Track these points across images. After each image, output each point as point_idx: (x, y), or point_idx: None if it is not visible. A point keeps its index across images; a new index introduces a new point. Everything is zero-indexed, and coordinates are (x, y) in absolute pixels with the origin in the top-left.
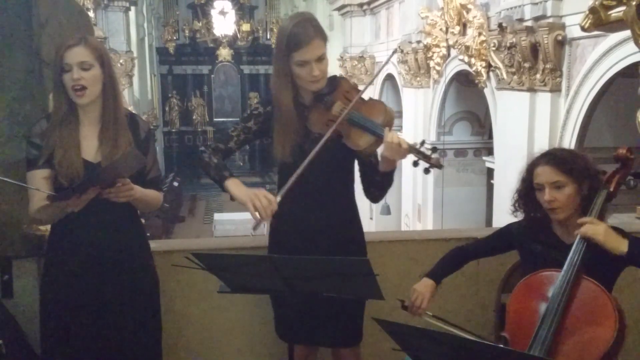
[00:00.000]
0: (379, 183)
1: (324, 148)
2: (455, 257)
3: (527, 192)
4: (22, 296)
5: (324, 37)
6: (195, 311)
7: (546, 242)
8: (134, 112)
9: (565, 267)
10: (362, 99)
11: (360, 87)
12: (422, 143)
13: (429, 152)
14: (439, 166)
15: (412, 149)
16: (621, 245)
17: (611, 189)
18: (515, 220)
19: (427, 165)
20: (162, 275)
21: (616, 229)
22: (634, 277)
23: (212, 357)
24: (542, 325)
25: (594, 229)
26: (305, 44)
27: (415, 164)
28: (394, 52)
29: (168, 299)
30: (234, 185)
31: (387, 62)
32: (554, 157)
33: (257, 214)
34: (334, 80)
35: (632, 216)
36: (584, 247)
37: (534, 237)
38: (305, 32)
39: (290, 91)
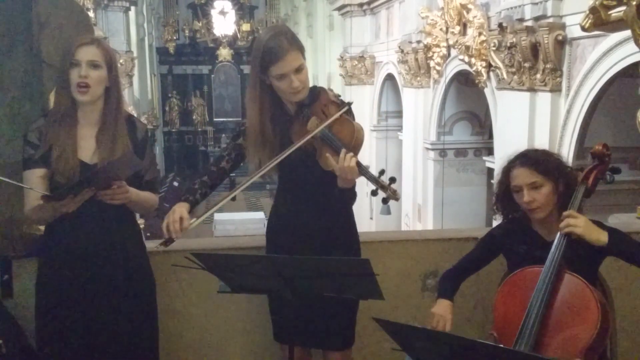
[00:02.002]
0: (338, 196)
1: (306, 154)
2: (452, 277)
3: (505, 195)
4: (22, 296)
5: (299, 48)
6: (195, 311)
7: (529, 241)
8: (133, 112)
9: (547, 262)
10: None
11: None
12: (382, 172)
13: (386, 182)
14: (395, 198)
15: (366, 174)
16: (601, 237)
17: (589, 185)
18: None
19: (384, 195)
20: (162, 275)
21: (594, 222)
22: (634, 277)
23: (212, 357)
24: (526, 321)
25: (574, 222)
26: (281, 58)
27: (374, 193)
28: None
29: (168, 299)
30: (176, 205)
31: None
32: (529, 159)
33: (165, 228)
34: (315, 91)
35: (633, 216)
36: (564, 241)
37: (516, 238)
38: (280, 45)
39: (269, 105)
